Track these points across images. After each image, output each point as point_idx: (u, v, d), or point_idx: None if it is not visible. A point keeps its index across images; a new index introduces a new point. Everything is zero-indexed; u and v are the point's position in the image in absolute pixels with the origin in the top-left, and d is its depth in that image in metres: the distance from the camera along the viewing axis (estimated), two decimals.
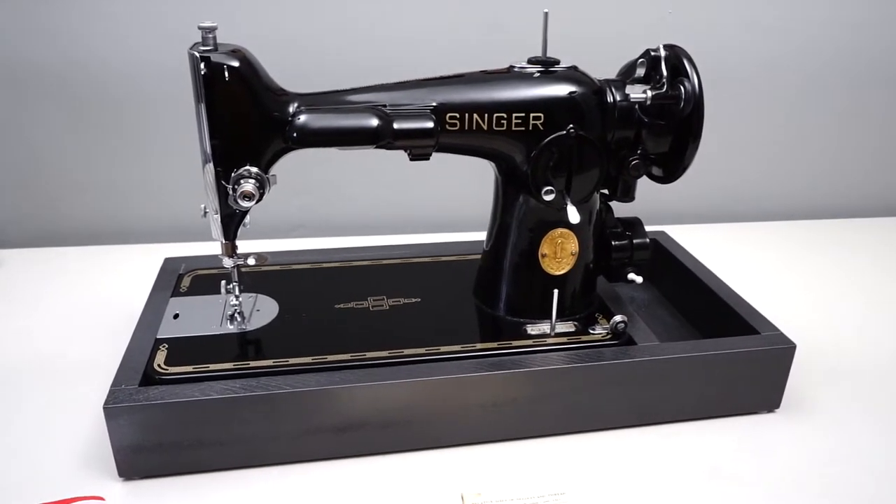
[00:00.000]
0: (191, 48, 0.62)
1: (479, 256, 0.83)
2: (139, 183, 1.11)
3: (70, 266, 1.02)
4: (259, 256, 0.74)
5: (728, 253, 1.09)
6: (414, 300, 0.79)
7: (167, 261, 0.86)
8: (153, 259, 0.89)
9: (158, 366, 0.66)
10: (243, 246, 0.72)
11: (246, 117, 0.64)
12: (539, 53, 0.70)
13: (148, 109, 1.06)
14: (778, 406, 0.75)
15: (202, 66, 0.61)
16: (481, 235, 0.81)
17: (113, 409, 0.60)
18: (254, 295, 0.78)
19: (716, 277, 0.85)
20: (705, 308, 0.83)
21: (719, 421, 0.74)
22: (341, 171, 1.14)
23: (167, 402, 0.61)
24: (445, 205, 1.19)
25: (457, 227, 1.15)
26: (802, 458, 0.69)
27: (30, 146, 1.07)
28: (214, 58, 0.61)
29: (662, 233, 0.98)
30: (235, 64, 0.62)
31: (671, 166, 0.73)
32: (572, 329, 0.74)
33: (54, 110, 1.05)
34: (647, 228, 0.78)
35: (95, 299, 0.93)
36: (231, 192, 0.65)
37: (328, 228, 1.17)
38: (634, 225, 0.78)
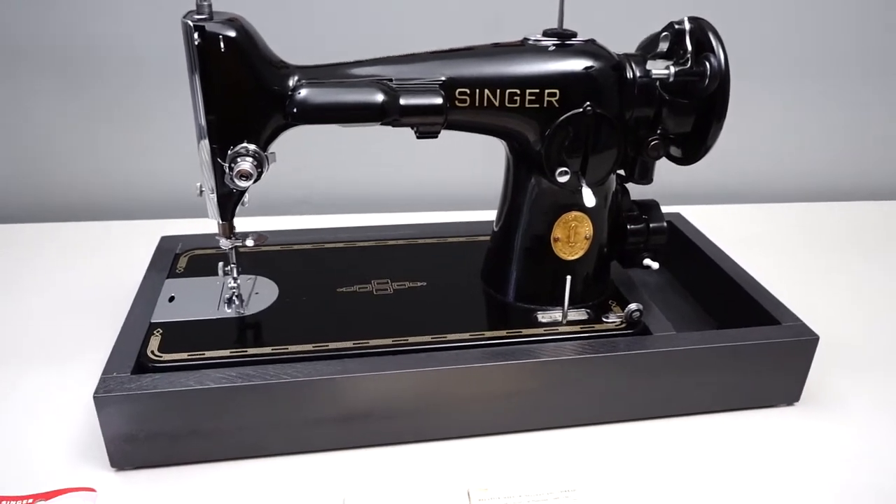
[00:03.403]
0: (184, 16, 0.58)
1: (487, 238, 0.80)
2: (135, 155, 1.08)
3: (61, 243, 0.98)
4: (258, 236, 0.71)
5: (746, 236, 1.05)
6: (419, 284, 0.76)
7: (163, 239, 0.83)
8: (149, 236, 0.86)
9: (152, 352, 0.63)
10: (242, 224, 0.68)
11: (243, 91, 0.60)
12: (555, 25, 0.66)
13: (143, 79, 1.02)
14: (797, 399, 0.72)
15: (196, 36, 0.57)
16: (490, 215, 0.77)
17: (104, 398, 0.58)
18: (252, 277, 0.75)
19: (734, 263, 0.82)
20: (722, 295, 0.80)
21: (736, 414, 0.71)
22: (345, 147, 1.10)
23: (160, 392, 0.58)
24: (453, 182, 1.15)
25: (465, 205, 1.12)
26: (822, 454, 0.66)
27: (19, 116, 1.03)
28: (209, 27, 0.58)
29: (678, 215, 0.94)
30: (232, 34, 0.58)
31: (692, 147, 0.69)
32: (585, 317, 0.71)
33: (44, 79, 1.01)
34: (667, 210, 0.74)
35: (88, 279, 0.89)
36: (227, 170, 0.61)
37: (331, 205, 1.14)
38: (651, 208, 0.74)
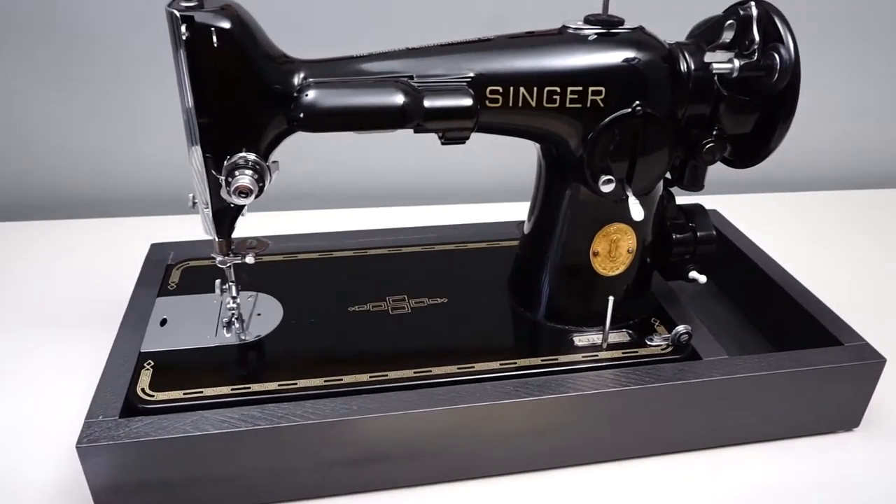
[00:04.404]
0: (169, 4, 0.50)
1: (511, 243, 0.72)
2: (123, 145, 0.99)
3: (39, 246, 0.89)
4: (258, 243, 0.63)
5: (787, 230, 0.97)
6: (440, 300, 0.68)
7: (153, 248, 0.75)
8: (138, 238, 0.77)
9: (143, 390, 0.56)
10: (238, 224, 0.59)
11: (241, 92, 0.52)
12: (598, 10, 0.58)
13: (130, 57, 0.92)
14: (857, 425, 0.66)
15: (184, 28, 0.48)
16: (515, 209, 0.69)
17: (88, 448, 0.50)
18: (254, 294, 0.67)
19: (783, 271, 0.74)
20: (773, 309, 0.72)
21: (791, 442, 0.64)
22: (349, 136, 1.01)
23: (153, 440, 0.51)
24: (475, 170, 1.06)
25: (487, 196, 1.03)
26: (886, 484, 0.60)
27: None
28: (199, 17, 0.49)
29: (714, 211, 0.86)
30: (226, 25, 0.50)
31: (751, 149, 0.61)
32: (626, 339, 0.64)
33: (22, 63, 0.91)
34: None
35: (68, 291, 0.80)
36: (224, 184, 0.53)
37: (339, 198, 1.05)
38: (696, 213, 0.67)
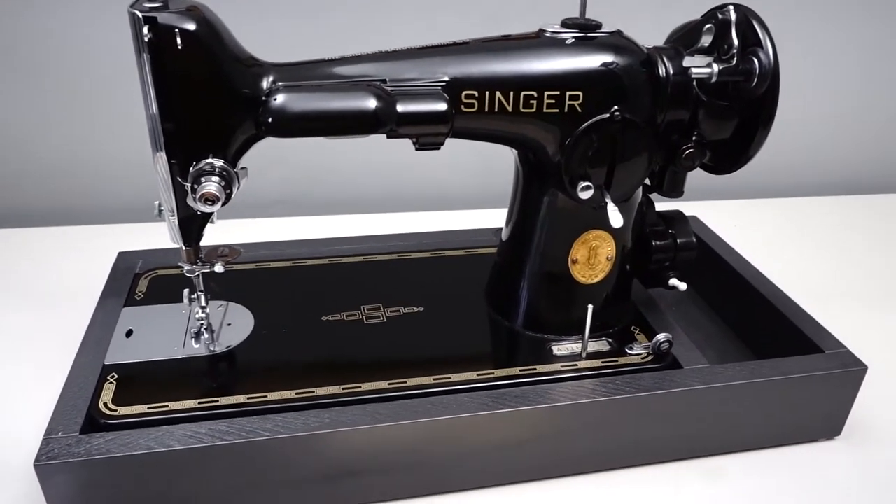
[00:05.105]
0: (132, 5, 0.48)
1: (488, 250, 0.71)
2: (89, 150, 0.96)
3: (2, 254, 0.86)
4: (230, 251, 0.61)
5: (768, 236, 0.97)
6: (416, 309, 0.66)
7: (121, 256, 0.73)
8: (105, 246, 0.75)
9: (105, 405, 0.54)
10: (207, 232, 0.58)
11: (207, 96, 0.50)
12: (576, 13, 0.57)
13: (98, 69, 0.90)
14: (839, 433, 0.65)
15: (146, 30, 0.47)
16: (492, 216, 0.68)
17: (47, 466, 0.48)
18: (224, 304, 0.65)
19: (764, 279, 0.73)
20: (752, 315, 0.72)
21: (772, 451, 0.63)
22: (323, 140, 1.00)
23: (116, 457, 0.49)
24: (451, 176, 1.05)
25: (464, 203, 1.02)
26: (868, 492, 0.60)
27: None
28: (163, 19, 0.47)
29: (694, 217, 0.85)
30: (192, 27, 0.48)
31: (730, 155, 0.60)
32: (606, 348, 0.63)
33: None
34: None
35: (33, 300, 0.77)
36: (190, 191, 0.51)
37: (312, 205, 1.03)
38: (676, 220, 0.66)
